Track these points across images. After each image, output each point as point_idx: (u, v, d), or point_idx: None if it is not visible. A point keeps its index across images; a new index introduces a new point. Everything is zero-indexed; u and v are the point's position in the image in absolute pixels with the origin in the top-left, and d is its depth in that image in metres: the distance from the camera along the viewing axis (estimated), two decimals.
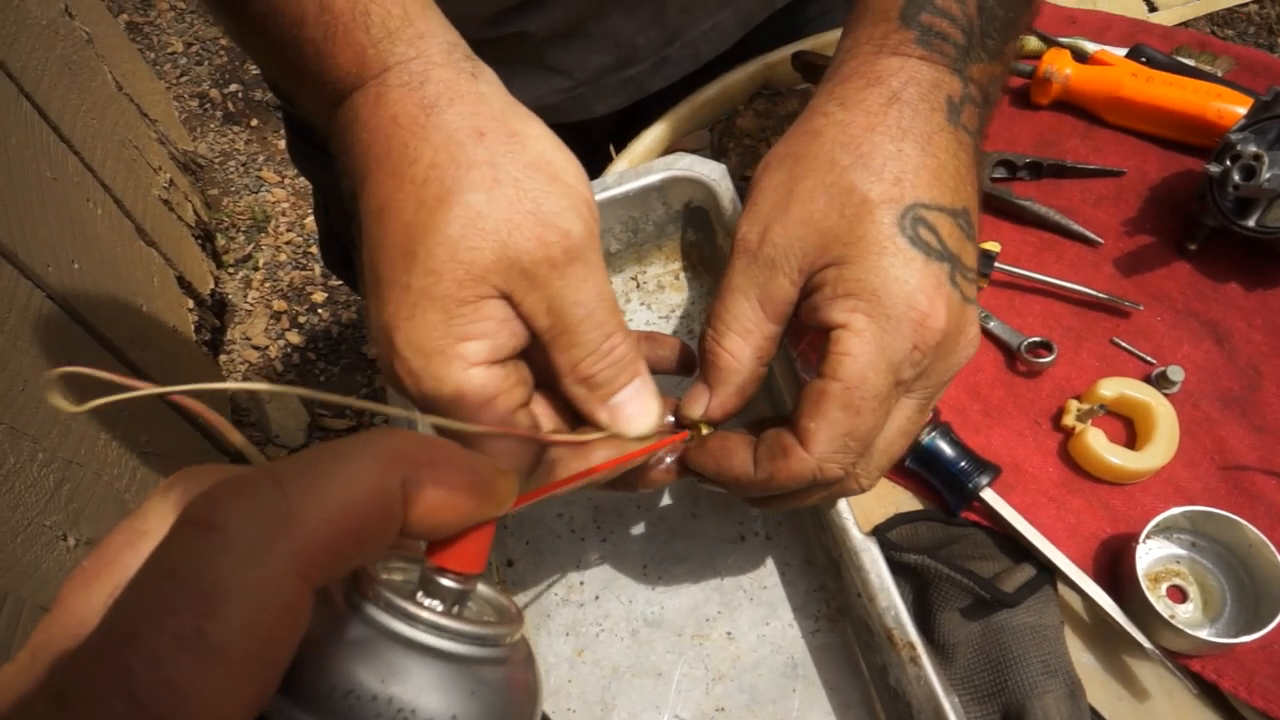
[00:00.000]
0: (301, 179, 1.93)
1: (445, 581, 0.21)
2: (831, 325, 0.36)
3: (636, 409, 0.37)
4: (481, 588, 0.23)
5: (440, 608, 0.21)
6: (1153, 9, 1.82)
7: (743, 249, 0.39)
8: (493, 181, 0.34)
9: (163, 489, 0.21)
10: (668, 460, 0.40)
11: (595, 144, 0.81)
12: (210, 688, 0.15)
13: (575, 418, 0.38)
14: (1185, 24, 1.84)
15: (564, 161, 0.36)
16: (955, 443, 0.51)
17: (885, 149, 0.37)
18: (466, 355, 0.33)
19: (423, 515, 0.19)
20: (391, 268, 0.34)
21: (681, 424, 0.40)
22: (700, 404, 0.39)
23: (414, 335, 0.33)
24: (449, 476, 0.20)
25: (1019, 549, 0.50)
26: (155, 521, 0.20)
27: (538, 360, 0.37)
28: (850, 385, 0.35)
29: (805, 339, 0.44)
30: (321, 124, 0.39)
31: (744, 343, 0.38)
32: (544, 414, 0.38)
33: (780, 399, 0.50)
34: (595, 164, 0.71)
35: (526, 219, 0.34)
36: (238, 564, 0.16)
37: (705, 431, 0.40)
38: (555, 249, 0.34)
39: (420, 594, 0.21)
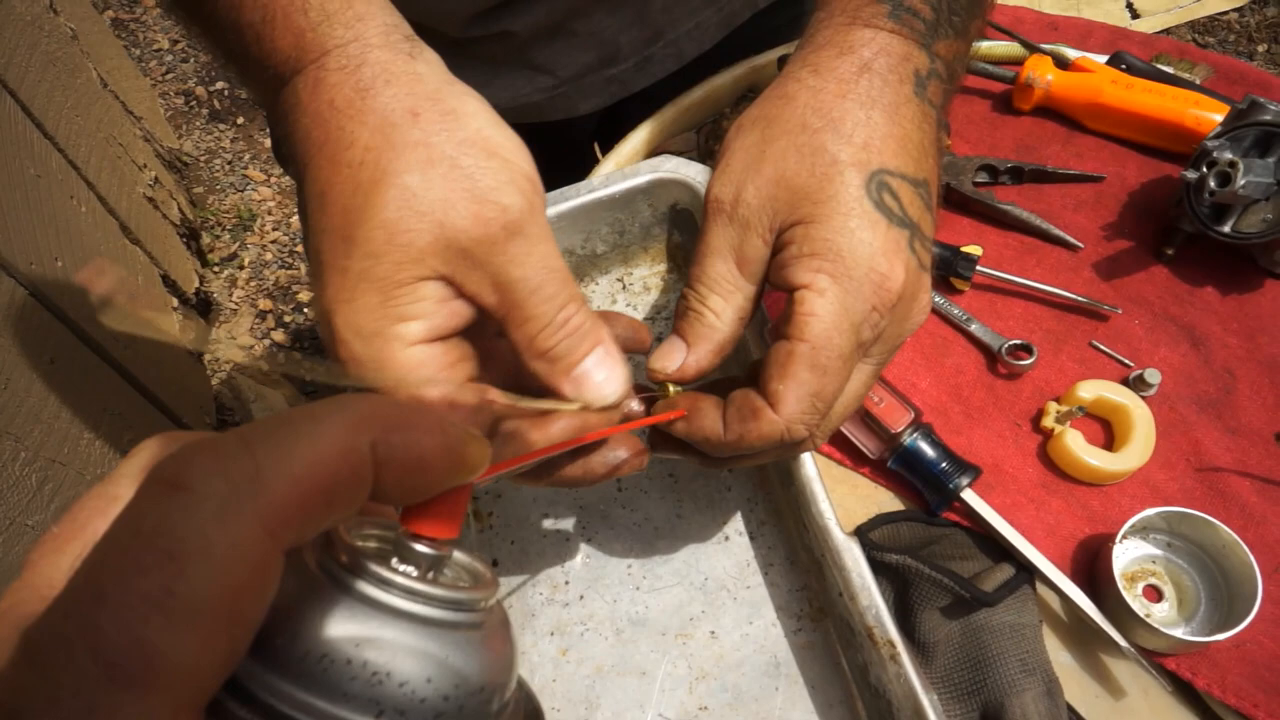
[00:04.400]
0: (288, 177, 1.92)
1: (419, 547, 0.21)
2: (795, 285, 0.37)
3: (601, 377, 0.36)
4: (457, 554, 0.23)
5: (414, 573, 0.21)
6: (1135, 16, 1.84)
7: (717, 209, 0.39)
8: (427, 161, 0.34)
9: (133, 454, 0.21)
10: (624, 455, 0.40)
11: (580, 144, 0.81)
12: (180, 645, 0.16)
13: (527, 390, 0.38)
14: (1167, 31, 1.86)
15: (501, 137, 0.36)
16: (936, 444, 0.51)
17: (855, 115, 0.38)
18: (404, 336, 0.34)
19: (394, 477, 0.19)
20: (332, 251, 0.34)
21: (650, 380, 0.41)
22: (675, 359, 0.39)
23: (353, 318, 0.33)
24: (420, 439, 0.20)
25: (998, 549, 0.50)
26: (125, 487, 0.20)
27: (486, 330, 0.37)
28: (816, 345, 0.36)
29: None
30: (267, 109, 0.39)
31: (726, 303, 0.39)
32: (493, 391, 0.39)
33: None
34: (580, 165, 0.72)
35: (462, 197, 0.33)
36: (206, 523, 0.16)
37: (674, 391, 0.40)
38: (494, 225, 0.33)
39: (395, 559, 0.21)
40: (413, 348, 0.34)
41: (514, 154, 0.36)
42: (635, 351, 0.44)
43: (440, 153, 0.34)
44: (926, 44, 0.40)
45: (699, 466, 0.42)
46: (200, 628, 0.16)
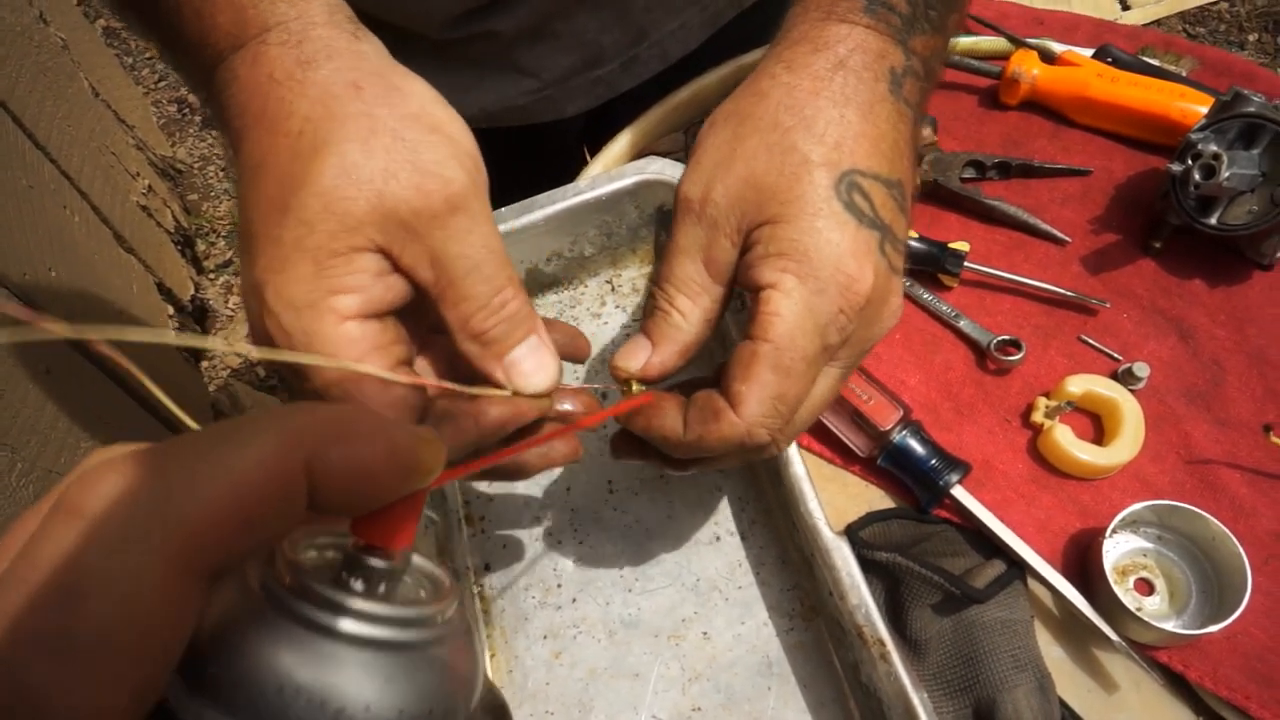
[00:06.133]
0: None
1: (370, 560, 0.20)
2: (761, 285, 0.36)
3: (533, 365, 0.36)
4: (417, 559, 0.21)
5: (363, 588, 0.20)
6: (1126, 7, 1.84)
7: (685, 208, 0.39)
8: (369, 131, 0.33)
9: (76, 470, 0.20)
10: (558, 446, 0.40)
11: (568, 146, 0.81)
12: (76, 690, 0.15)
13: (462, 378, 0.37)
14: (1158, 22, 1.86)
15: (446, 115, 0.35)
16: (926, 441, 0.51)
17: (828, 114, 0.37)
18: (338, 309, 0.32)
19: (336, 491, 0.18)
20: (265, 222, 0.33)
21: (613, 378, 0.40)
22: (639, 358, 0.39)
23: (285, 289, 0.32)
24: (361, 450, 0.19)
25: (990, 545, 0.50)
26: None
27: (425, 320, 0.37)
28: (780, 346, 0.35)
29: None
30: (202, 91, 0.38)
31: (693, 304, 0.39)
32: (429, 375, 0.38)
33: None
34: (569, 166, 0.72)
35: (404, 167, 0.33)
36: (106, 553, 0.15)
37: (636, 389, 0.40)
38: (435, 198, 0.33)
39: (344, 573, 0.20)
40: (347, 323, 0.33)
41: (458, 133, 0.35)
42: (572, 360, 0.44)
43: (383, 125, 0.33)
44: (902, 40, 0.40)
45: (661, 469, 0.42)
46: (101, 668, 0.15)
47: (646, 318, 0.40)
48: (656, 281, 0.40)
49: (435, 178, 0.33)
